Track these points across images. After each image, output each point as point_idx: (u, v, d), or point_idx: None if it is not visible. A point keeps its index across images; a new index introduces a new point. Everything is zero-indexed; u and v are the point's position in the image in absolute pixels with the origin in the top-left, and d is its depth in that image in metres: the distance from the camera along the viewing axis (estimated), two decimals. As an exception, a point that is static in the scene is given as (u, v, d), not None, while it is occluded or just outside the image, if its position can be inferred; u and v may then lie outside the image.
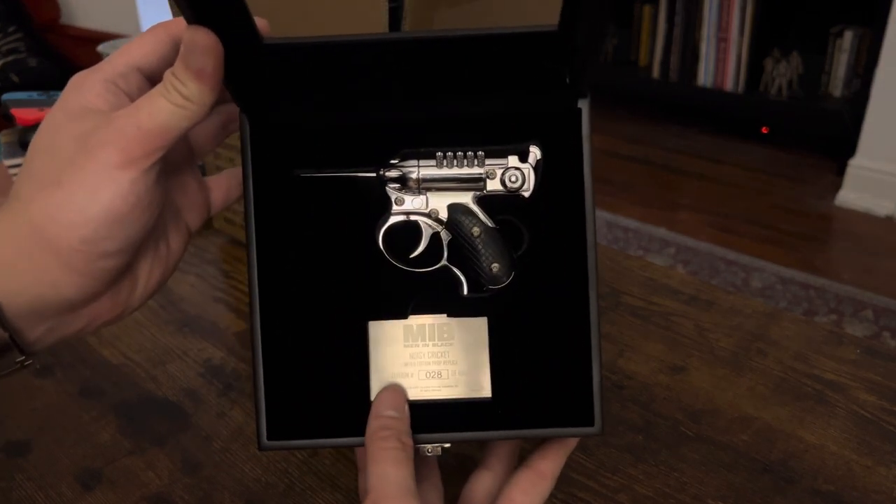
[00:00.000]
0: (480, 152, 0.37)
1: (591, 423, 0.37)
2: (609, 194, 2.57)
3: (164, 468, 0.50)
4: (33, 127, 0.93)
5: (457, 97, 0.37)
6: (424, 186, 0.37)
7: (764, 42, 2.84)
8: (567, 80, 0.35)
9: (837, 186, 2.49)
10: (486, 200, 0.38)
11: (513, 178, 0.37)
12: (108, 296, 0.35)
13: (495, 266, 0.37)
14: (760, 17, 2.82)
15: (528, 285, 0.38)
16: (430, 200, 0.38)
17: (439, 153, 0.37)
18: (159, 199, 0.33)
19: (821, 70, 2.79)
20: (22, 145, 0.93)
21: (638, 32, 3.21)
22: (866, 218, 2.39)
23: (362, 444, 0.36)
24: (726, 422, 0.53)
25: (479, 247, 0.37)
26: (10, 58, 1.93)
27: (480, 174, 0.37)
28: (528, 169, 0.37)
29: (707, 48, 2.95)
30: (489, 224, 0.38)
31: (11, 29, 1.97)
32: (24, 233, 0.31)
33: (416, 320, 0.38)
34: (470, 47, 0.34)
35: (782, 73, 2.80)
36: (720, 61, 2.92)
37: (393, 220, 0.38)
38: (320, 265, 0.38)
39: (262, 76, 0.35)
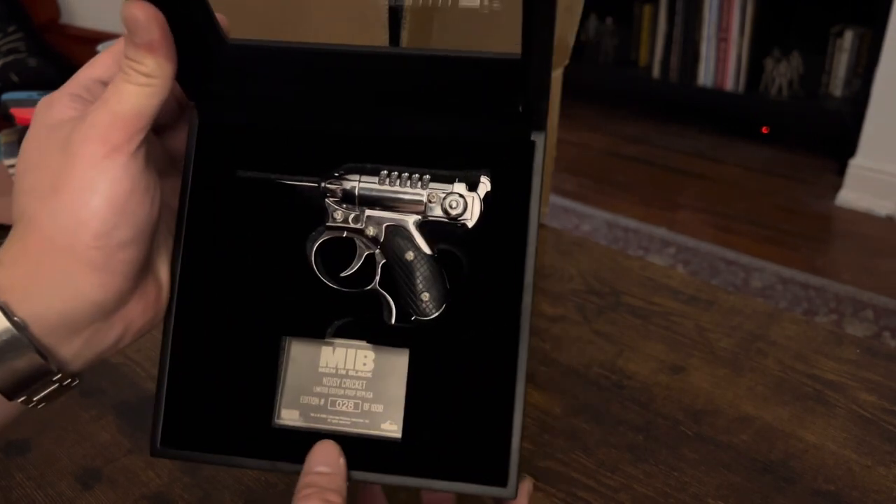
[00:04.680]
0: (427, 175, 0.36)
1: (504, 484, 0.34)
2: (609, 194, 2.57)
3: (163, 468, 0.50)
4: (33, 126, 0.93)
5: (413, 117, 0.36)
6: (364, 202, 0.36)
7: (764, 42, 2.84)
8: (520, 109, 0.34)
9: (838, 186, 2.49)
10: (428, 226, 0.36)
11: (453, 204, 0.35)
12: (135, 297, 0.34)
13: (426, 295, 0.36)
14: (760, 16, 2.82)
15: (458, 322, 0.36)
16: (368, 218, 0.36)
17: (384, 171, 0.36)
18: (155, 184, 0.33)
19: (821, 70, 2.79)
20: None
21: (638, 32, 3.21)
22: (866, 218, 2.39)
23: (259, 468, 0.35)
24: (726, 422, 0.53)
25: (412, 272, 0.36)
26: (9, 57, 1.93)
27: (421, 196, 0.35)
28: (472, 197, 0.35)
29: (707, 48, 2.94)
30: (426, 251, 0.36)
31: (11, 29, 1.96)
32: (38, 248, 0.31)
33: (335, 343, 0.36)
34: (431, 66, 0.34)
35: (782, 72, 2.80)
36: (720, 61, 2.92)
37: (328, 234, 0.37)
38: (245, 271, 0.37)
39: (221, 74, 0.35)
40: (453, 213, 0.35)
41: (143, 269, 0.34)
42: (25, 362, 0.31)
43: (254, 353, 0.36)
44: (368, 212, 0.36)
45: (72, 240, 0.31)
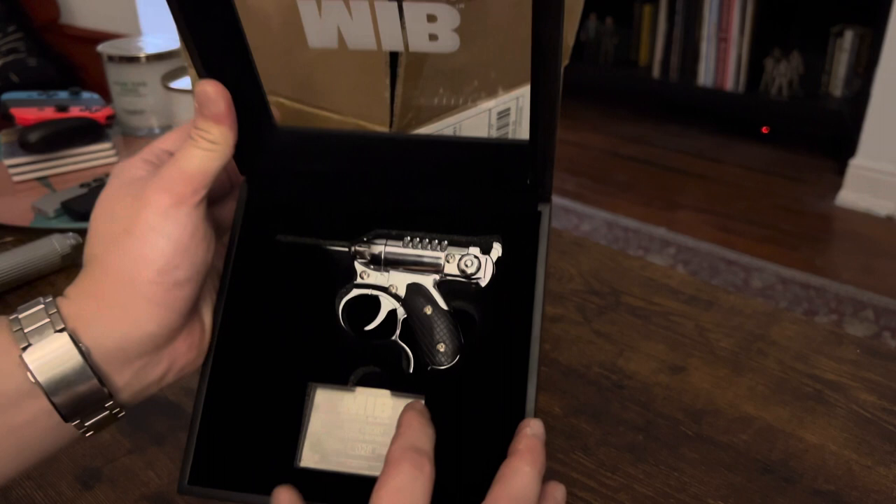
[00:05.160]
0: (445, 241, 0.40)
1: None
2: (609, 194, 2.57)
3: (163, 467, 0.50)
4: (33, 126, 0.93)
5: (434, 190, 0.40)
6: (389, 264, 0.40)
7: (764, 42, 2.84)
8: (528, 183, 0.39)
9: (838, 186, 2.50)
10: (444, 286, 0.40)
11: (468, 263, 0.39)
12: (183, 335, 0.38)
13: (441, 346, 0.39)
14: (761, 16, 2.82)
15: (470, 371, 0.39)
16: (392, 278, 0.40)
17: (407, 237, 0.40)
18: (211, 234, 0.38)
19: (821, 70, 2.79)
20: (21, 145, 0.93)
21: (638, 32, 3.21)
22: (866, 218, 2.39)
23: None
24: (726, 422, 0.53)
25: (430, 325, 0.39)
26: (9, 57, 1.93)
27: (439, 258, 0.39)
28: (486, 259, 0.39)
29: (707, 48, 2.95)
30: (443, 306, 0.39)
31: (11, 29, 1.96)
32: (104, 282, 0.35)
33: (357, 391, 0.39)
34: (452, 149, 0.40)
35: (782, 72, 2.80)
36: (720, 61, 2.92)
37: (355, 292, 0.40)
38: (278, 323, 0.41)
39: (269, 154, 0.41)
40: (468, 271, 0.39)
41: (192, 311, 0.38)
42: (85, 386, 0.34)
43: (282, 399, 0.39)
44: (393, 272, 0.40)
45: (136, 274, 0.35)
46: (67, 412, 0.34)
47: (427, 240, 0.40)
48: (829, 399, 0.55)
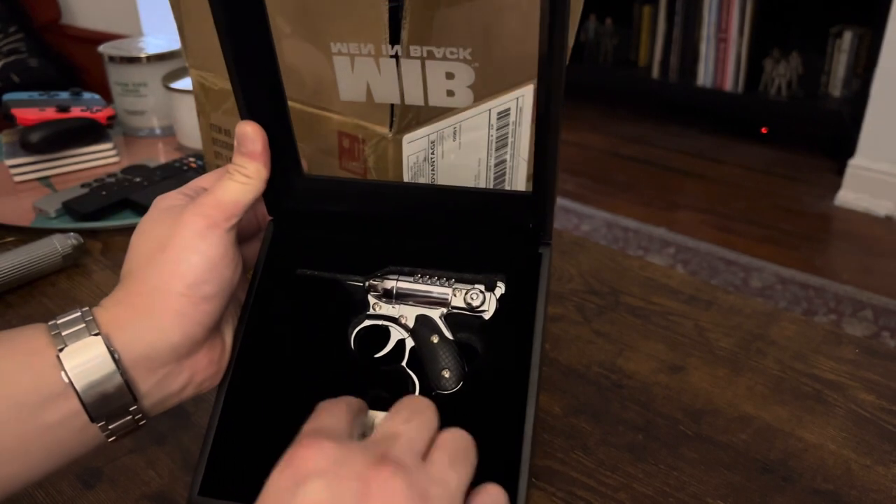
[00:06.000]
0: (453, 279, 0.43)
1: None
2: (609, 194, 2.58)
3: (164, 467, 0.50)
4: (34, 127, 0.93)
5: (445, 233, 0.44)
6: (400, 298, 0.43)
7: (764, 42, 2.84)
8: (531, 227, 0.42)
9: (837, 186, 2.50)
10: (451, 319, 0.43)
11: (474, 296, 0.42)
12: (204, 350, 0.40)
13: (446, 372, 0.41)
14: (760, 17, 2.83)
15: (473, 395, 0.41)
16: (402, 310, 0.43)
17: (418, 273, 0.43)
18: (239, 258, 0.41)
19: (821, 70, 2.79)
20: (23, 145, 0.93)
21: (638, 32, 3.22)
22: (866, 218, 2.39)
23: None
24: (726, 421, 0.53)
25: (435, 352, 0.42)
26: (10, 58, 1.93)
27: (447, 292, 0.43)
28: (489, 295, 0.42)
29: (707, 48, 2.95)
30: (448, 336, 0.42)
31: (12, 29, 1.96)
32: (139, 294, 0.38)
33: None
34: (461, 196, 0.44)
35: (782, 73, 2.80)
36: (720, 61, 2.93)
37: (367, 322, 0.44)
38: (294, 348, 0.43)
39: (296, 198, 0.45)
40: (473, 304, 0.42)
41: (214, 328, 0.40)
42: (113, 388, 0.36)
43: (293, 418, 0.41)
44: (403, 305, 0.43)
45: (167, 287, 0.37)
46: (95, 413, 0.36)
47: (436, 277, 0.43)
48: (828, 399, 0.55)
